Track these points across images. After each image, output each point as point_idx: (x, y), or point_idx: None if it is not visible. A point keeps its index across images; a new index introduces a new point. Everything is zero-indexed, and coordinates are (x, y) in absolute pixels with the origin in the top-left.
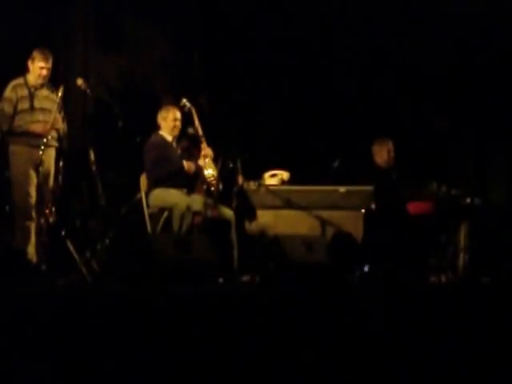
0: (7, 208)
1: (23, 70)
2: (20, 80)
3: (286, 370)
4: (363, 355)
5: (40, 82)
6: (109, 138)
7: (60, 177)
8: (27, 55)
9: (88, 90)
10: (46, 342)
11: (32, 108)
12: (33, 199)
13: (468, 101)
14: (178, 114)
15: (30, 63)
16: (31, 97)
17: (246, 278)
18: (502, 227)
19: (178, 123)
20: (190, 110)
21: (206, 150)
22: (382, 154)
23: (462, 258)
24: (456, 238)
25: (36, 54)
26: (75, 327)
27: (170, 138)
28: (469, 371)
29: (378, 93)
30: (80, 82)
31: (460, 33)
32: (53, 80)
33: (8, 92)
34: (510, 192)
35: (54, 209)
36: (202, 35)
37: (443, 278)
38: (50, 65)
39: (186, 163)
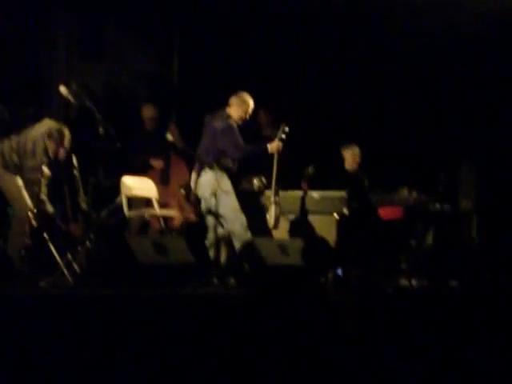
0: None
1: (7, 82)
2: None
3: (259, 368)
4: (336, 355)
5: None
6: (90, 143)
7: (43, 180)
8: (11, 64)
9: (70, 97)
10: (28, 343)
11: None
12: (28, 205)
13: (439, 108)
14: (252, 108)
15: (49, 137)
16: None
17: (221, 281)
18: (469, 232)
19: (247, 117)
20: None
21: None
22: (346, 158)
23: (431, 263)
24: (425, 242)
25: (55, 135)
26: (56, 328)
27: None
28: (439, 370)
29: (351, 99)
30: (63, 89)
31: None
32: (36, 88)
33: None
34: (478, 198)
35: (36, 212)
36: (181, 46)
37: (413, 282)
38: (67, 145)
39: (270, 145)
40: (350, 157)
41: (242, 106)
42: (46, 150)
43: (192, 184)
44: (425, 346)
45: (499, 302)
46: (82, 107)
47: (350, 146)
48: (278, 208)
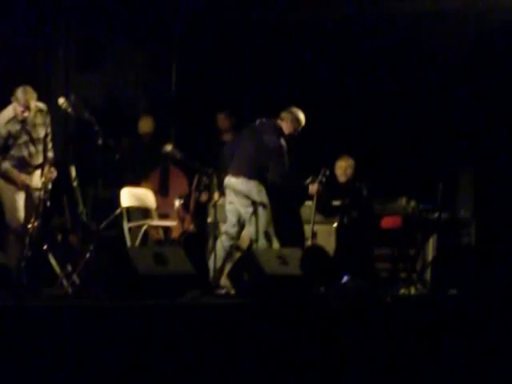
0: None
1: (4, 93)
2: (11, 112)
3: (258, 377)
4: (334, 363)
5: (22, 119)
6: (89, 155)
7: (42, 193)
8: (9, 76)
9: (69, 109)
10: (27, 355)
11: (26, 142)
12: (22, 216)
13: (437, 118)
14: (302, 126)
15: (13, 99)
16: (21, 131)
17: (221, 291)
18: (468, 241)
19: (296, 134)
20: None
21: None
22: (336, 169)
23: (430, 271)
24: (424, 251)
25: (18, 94)
26: (56, 339)
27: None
28: (436, 378)
29: (351, 110)
30: (61, 101)
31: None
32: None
33: (1, 128)
34: (476, 207)
35: (36, 224)
36: (179, 55)
37: (412, 290)
38: (31, 106)
39: (311, 186)
40: (338, 168)
41: (294, 123)
42: (15, 110)
43: (226, 187)
44: (424, 355)
45: (498, 310)
46: (81, 119)
47: (339, 157)
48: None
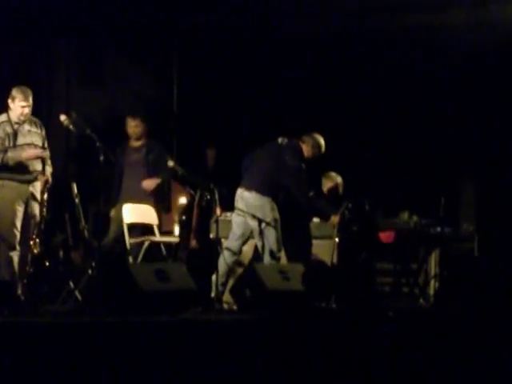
0: None
1: (5, 107)
2: (4, 117)
3: None
4: (337, 377)
5: (22, 118)
6: (90, 171)
7: (44, 209)
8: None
9: (71, 126)
10: (28, 372)
11: (15, 145)
12: (18, 231)
13: (438, 132)
14: (322, 153)
15: (10, 102)
16: (15, 134)
17: (223, 306)
18: (471, 255)
19: (314, 159)
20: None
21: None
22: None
23: (432, 286)
24: (427, 265)
25: (16, 93)
26: (58, 356)
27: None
28: None
29: (351, 123)
30: (63, 117)
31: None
32: (35, 116)
33: None
34: (478, 220)
35: (38, 240)
36: (180, 70)
37: (415, 304)
38: (30, 102)
39: (333, 216)
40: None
41: (315, 148)
42: (14, 112)
43: (238, 199)
44: (428, 369)
45: (502, 323)
46: (82, 135)
47: (324, 175)
48: None
